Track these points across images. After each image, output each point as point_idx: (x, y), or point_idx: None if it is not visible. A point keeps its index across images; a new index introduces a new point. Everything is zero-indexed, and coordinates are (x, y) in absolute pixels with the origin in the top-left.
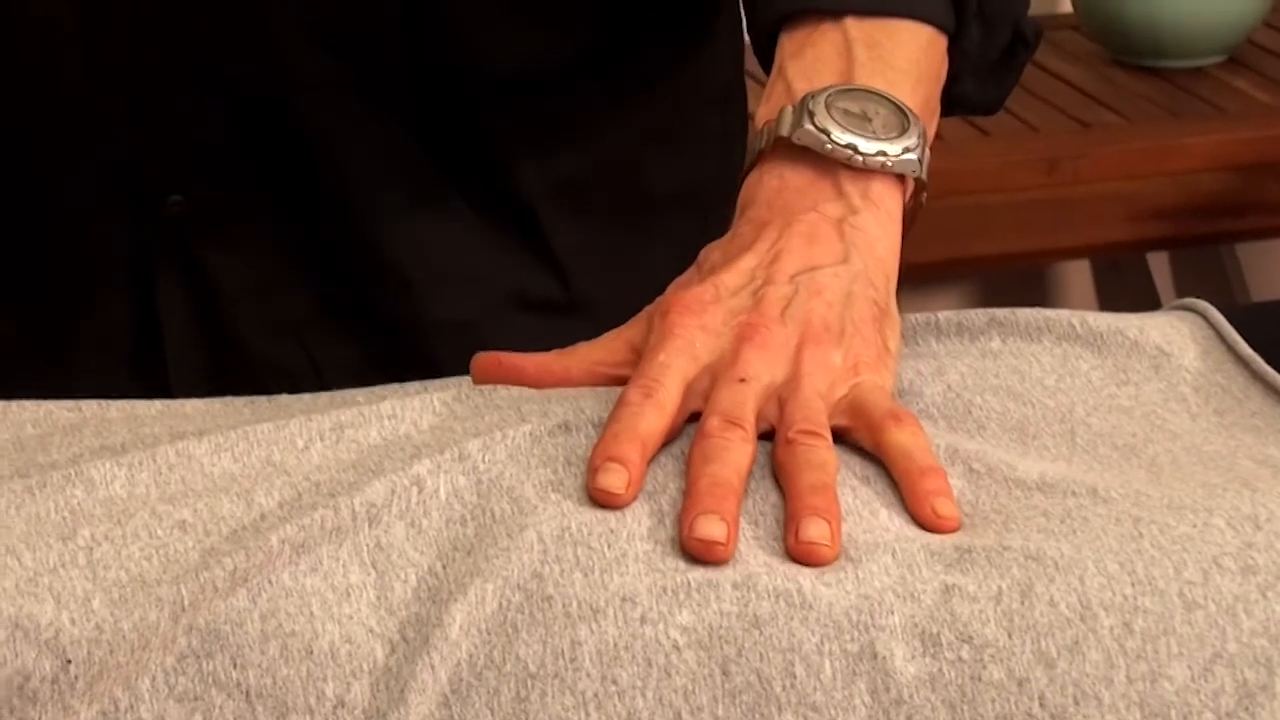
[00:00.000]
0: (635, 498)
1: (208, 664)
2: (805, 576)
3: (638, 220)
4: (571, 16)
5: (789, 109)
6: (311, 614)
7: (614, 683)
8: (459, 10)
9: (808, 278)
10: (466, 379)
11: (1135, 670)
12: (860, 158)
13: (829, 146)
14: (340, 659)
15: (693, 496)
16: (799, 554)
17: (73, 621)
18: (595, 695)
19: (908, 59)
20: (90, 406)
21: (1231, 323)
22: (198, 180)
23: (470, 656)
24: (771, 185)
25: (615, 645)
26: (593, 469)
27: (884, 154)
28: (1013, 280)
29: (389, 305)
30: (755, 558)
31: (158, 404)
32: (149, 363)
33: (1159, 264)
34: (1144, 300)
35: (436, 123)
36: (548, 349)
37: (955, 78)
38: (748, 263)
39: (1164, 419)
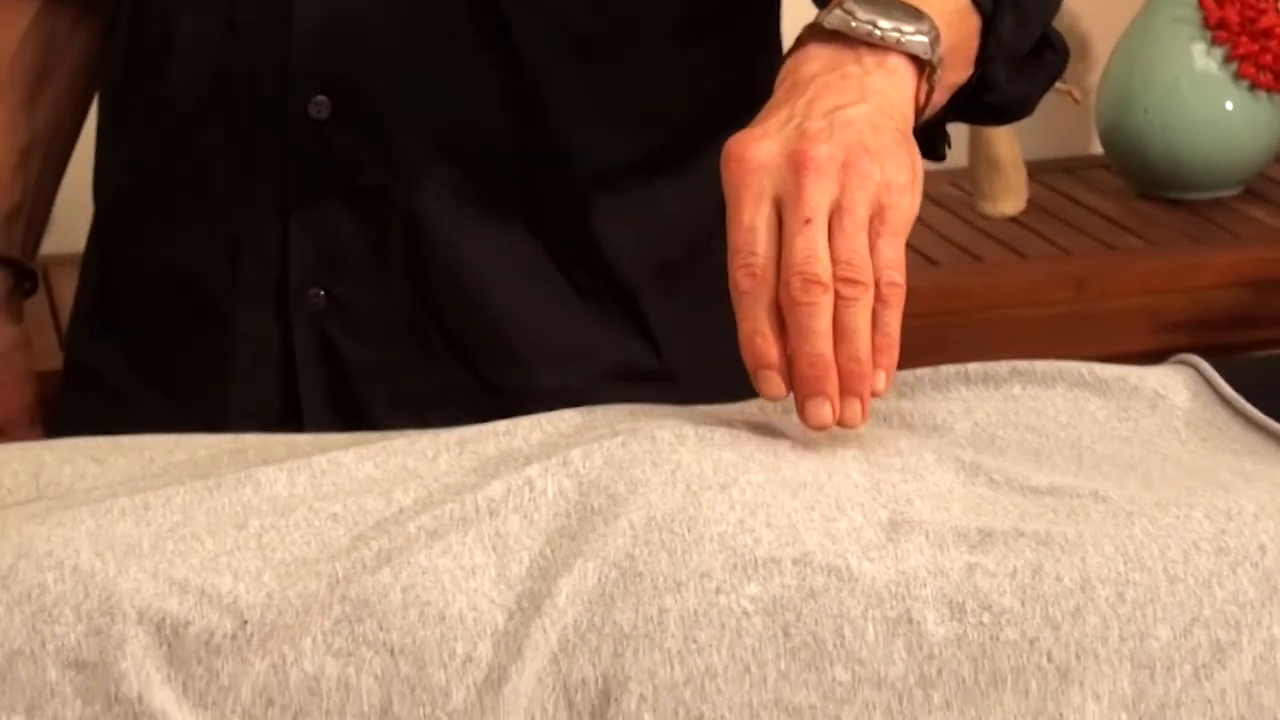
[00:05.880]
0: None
1: (359, 627)
2: (853, 554)
3: (725, 295)
4: (659, 116)
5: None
6: (444, 587)
7: (694, 641)
8: (562, 115)
9: (838, 114)
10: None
11: (1127, 630)
12: (879, 32)
13: (853, 24)
14: (468, 623)
15: (798, 381)
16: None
17: (248, 591)
18: (679, 652)
19: (940, 9)
20: (250, 438)
21: (1221, 373)
22: (335, 276)
23: (575, 621)
24: (802, 61)
25: (695, 612)
26: (754, 376)
27: (900, 30)
28: None
29: (501, 380)
30: (811, 538)
31: (308, 434)
32: None
33: None
34: None
35: (545, 216)
36: None
37: (990, 59)
38: (785, 111)
39: (1157, 445)
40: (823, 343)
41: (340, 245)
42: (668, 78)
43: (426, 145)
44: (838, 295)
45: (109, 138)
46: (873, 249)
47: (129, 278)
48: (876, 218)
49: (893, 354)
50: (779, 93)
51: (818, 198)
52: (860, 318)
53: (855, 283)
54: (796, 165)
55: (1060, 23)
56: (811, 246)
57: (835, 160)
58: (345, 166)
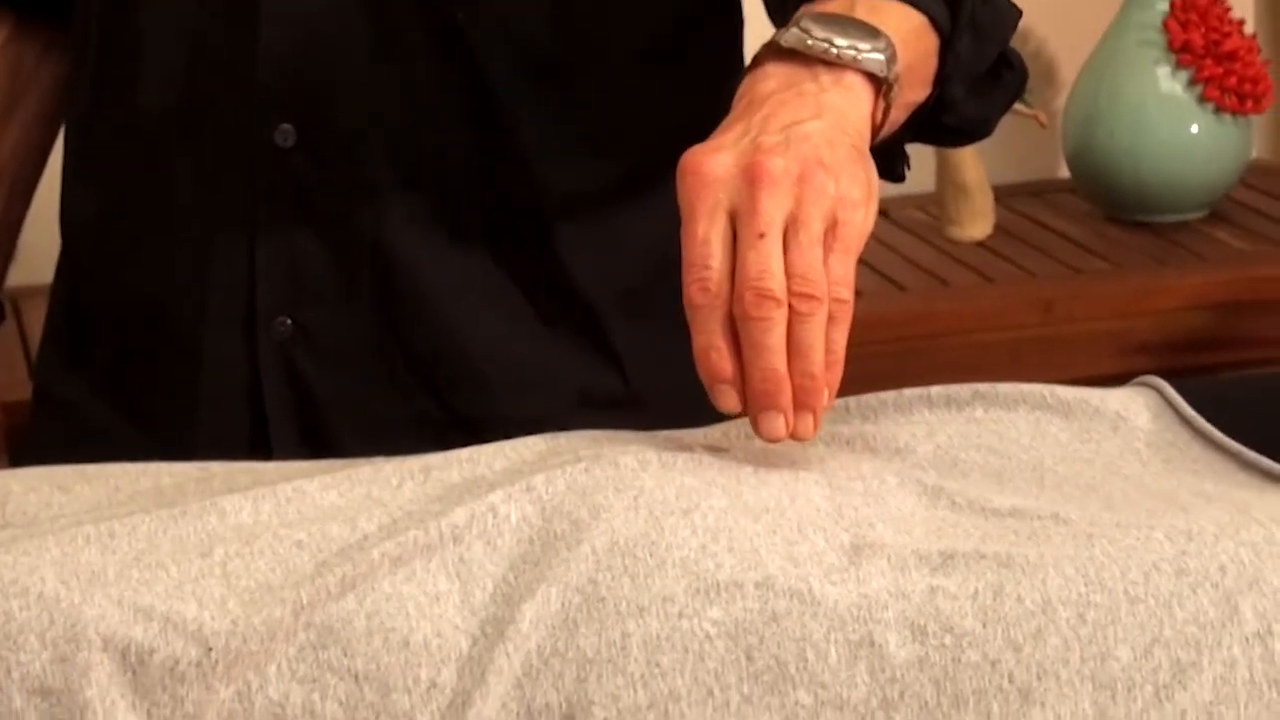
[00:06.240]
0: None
1: (323, 653)
2: (815, 578)
3: None
4: (624, 142)
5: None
6: (408, 613)
7: (657, 666)
8: (526, 142)
9: (794, 129)
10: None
11: (1088, 652)
12: (835, 50)
13: (809, 42)
14: (432, 649)
15: (752, 395)
16: (766, 439)
17: (213, 618)
18: (642, 676)
19: (897, 28)
20: (216, 466)
21: (1182, 395)
22: (302, 304)
23: (539, 646)
24: (759, 79)
25: (658, 636)
26: (709, 390)
27: (856, 48)
28: None
29: (468, 408)
30: (773, 562)
31: (274, 463)
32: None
33: None
34: None
35: (510, 243)
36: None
37: (948, 79)
38: (740, 126)
39: (1119, 466)
40: (776, 358)
41: (307, 273)
42: (632, 104)
43: (392, 173)
44: (792, 310)
45: (76, 167)
46: (824, 264)
47: (96, 307)
48: (830, 233)
49: (837, 371)
50: (735, 109)
51: (772, 211)
52: (814, 333)
53: (810, 298)
54: (751, 178)
55: (1026, 47)
56: (765, 261)
57: (790, 174)
58: (311, 194)
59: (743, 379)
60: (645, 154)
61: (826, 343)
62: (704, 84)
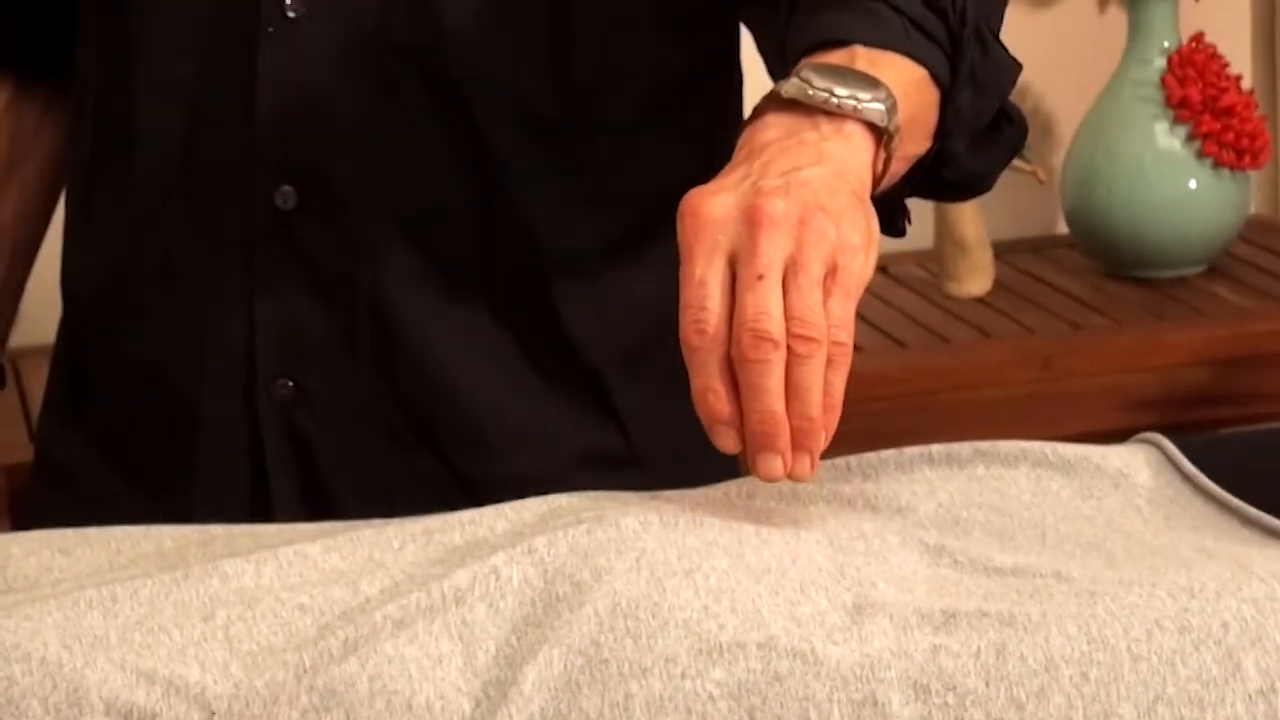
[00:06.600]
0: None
1: (326, 716)
2: (817, 638)
3: None
4: (623, 198)
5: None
6: (410, 676)
7: None
8: (526, 200)
9: (795, 174)
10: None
11: (1091, 710)
12: (836, 100)
13: (810, 92)
14: (435, 712)
15: (750, 436)
16: (764, 479)
17: (215, 681)
18: None
19: (898, 80)
20: (217, 529)
21: (1183, 451)
22: (302, 366)
23: (541, 709)
24: (759, 129)
25: (661, 697)
26: (708, 430)
27: (856, 98)
28: None
29: (469, 466)
30: (776, 622)
31: (275, 525)
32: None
33: None
34: None
35: (510, 301)
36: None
37: (948, 133)
38: (741, 172)
39: (1120, 524)
40: (773, 400)
41: (307, 334)
42: (631, 160)
43: (391, 232)
44: (791, 352)
45: (76, 230)
46: (823, 308)
47: (97, 370)
48: (829, 277)
49: (835, 414)
50: (736, 157)
51: (772, 253)
52: (812, 375)
53: (809, 340)
54: (752, 220)
55: (1024, 103)
56: (764, 302)
57: (791, 216)
58: (310, 255)
59: (741, 419)
60: (644, 212)
61: (825, 385)
62: (703, 142)
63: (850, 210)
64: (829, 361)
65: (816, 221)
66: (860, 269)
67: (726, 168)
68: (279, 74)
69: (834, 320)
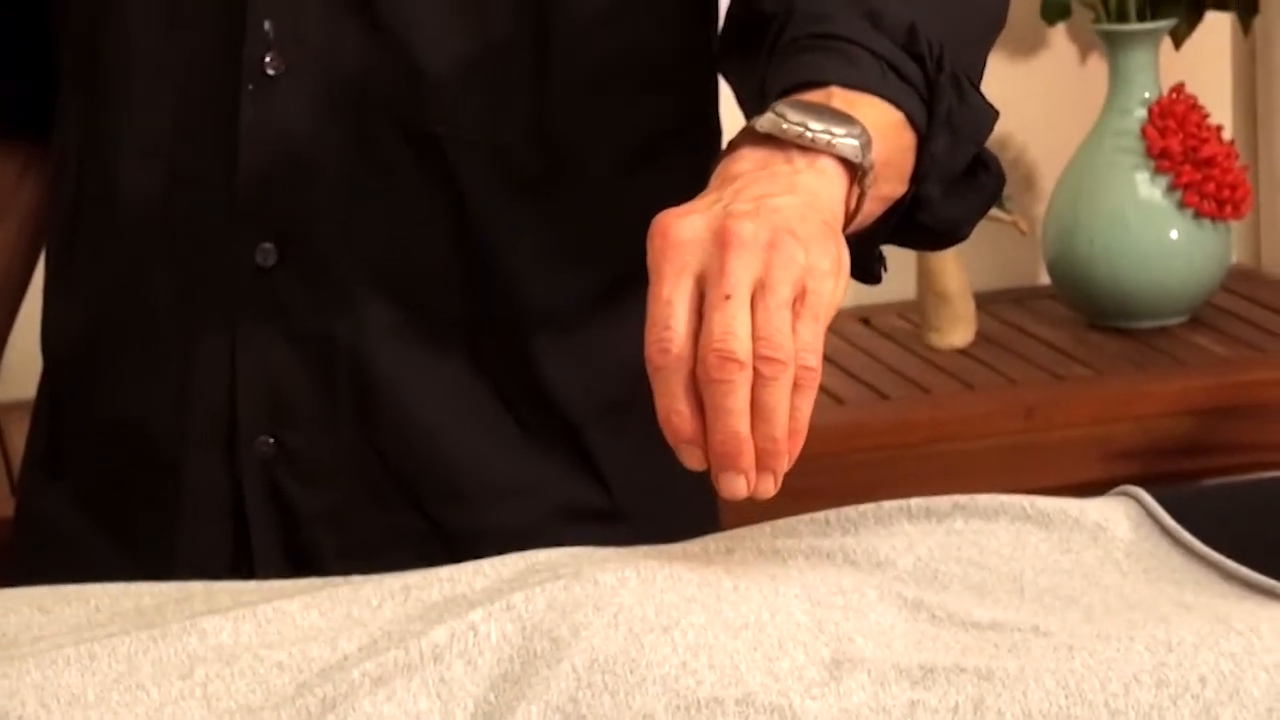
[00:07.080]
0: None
1: None
2: (795, 693)
3: None
4: (603, 253)
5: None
6: None
7: None
8: (506, 255)
9: (766, 200)
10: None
11: None
12: (810, 134)
13: (784, 126)
14: None
15: (713, 456)
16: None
17: None
18: None
19: (874, 121)
20: (195, 586)
21: (1161, 504)
22: (283, 423)
23: None
24: (733, 161)
25: None
26: (674, 448)
27: (830, 133)
28: None
29: (450, 520)
30: (754, 678)
31: (254, 582)
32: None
33: None
34: None
35: (490, 356)
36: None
37: (924, 177)
38: (713, 197)
39: (1099, 577)
40: (737, 421)
41: (287, 391)
42: (611, 216)
43: (371, 288)
44: (757, 373)
45: (57, 288)
46: (791, 331)
47: (78, 426)
48: (798, 301)
49: (800, 437)
50: (709, 186)
51: (740, 273)
52: (778, 396)
53: (775, 361)
54: (722, 241)
55: (1005, 153)
56: (730, 323)
57: (760, 239)
58: (291, 311)
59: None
60: (624, 266)
61: (791, 409)
62: (684, 198)
63: (820, 237)
64: (796, 385)
65: (786, 245)
66: (830, 294)
67: (699, 195)
68: (259, 131)
69: (802, 344)
